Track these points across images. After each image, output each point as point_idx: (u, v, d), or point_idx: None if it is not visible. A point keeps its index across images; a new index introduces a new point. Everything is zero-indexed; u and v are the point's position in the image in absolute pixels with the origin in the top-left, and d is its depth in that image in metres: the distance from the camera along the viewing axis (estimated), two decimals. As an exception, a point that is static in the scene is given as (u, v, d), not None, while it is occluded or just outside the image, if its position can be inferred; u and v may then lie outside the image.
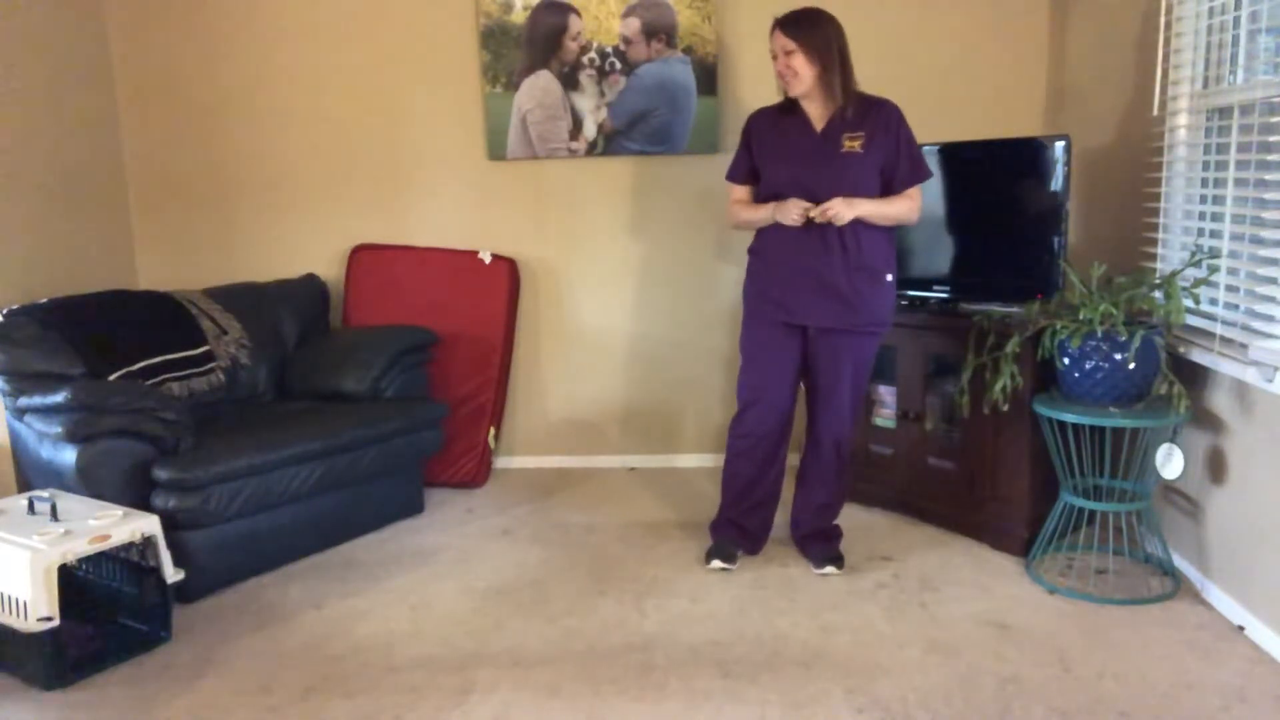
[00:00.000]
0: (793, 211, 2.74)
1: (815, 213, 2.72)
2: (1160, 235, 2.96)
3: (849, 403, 2.92)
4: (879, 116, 2.79)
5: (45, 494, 2.67)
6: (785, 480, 3.06)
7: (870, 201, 2.76)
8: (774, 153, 2.86)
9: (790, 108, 2.85)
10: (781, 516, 3.17)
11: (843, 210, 2.70)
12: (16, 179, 3.48)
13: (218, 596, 2.90)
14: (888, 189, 2.81)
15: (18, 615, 2.36)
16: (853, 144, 2.77)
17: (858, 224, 2.76)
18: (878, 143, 2.77)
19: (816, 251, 2.79)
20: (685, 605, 2.76)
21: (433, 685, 2.36)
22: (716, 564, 2.99)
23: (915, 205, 2.84)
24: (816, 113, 2.82)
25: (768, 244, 2.89)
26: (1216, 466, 2.67)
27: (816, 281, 2.81)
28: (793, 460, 3.36)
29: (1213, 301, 2.71)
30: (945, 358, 3.24)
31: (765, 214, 2.85)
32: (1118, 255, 3.22)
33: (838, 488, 3.02)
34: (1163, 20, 2.90)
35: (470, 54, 3.91)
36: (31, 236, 3.54)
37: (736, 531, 3.05)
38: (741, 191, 2.98)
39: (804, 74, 2.74)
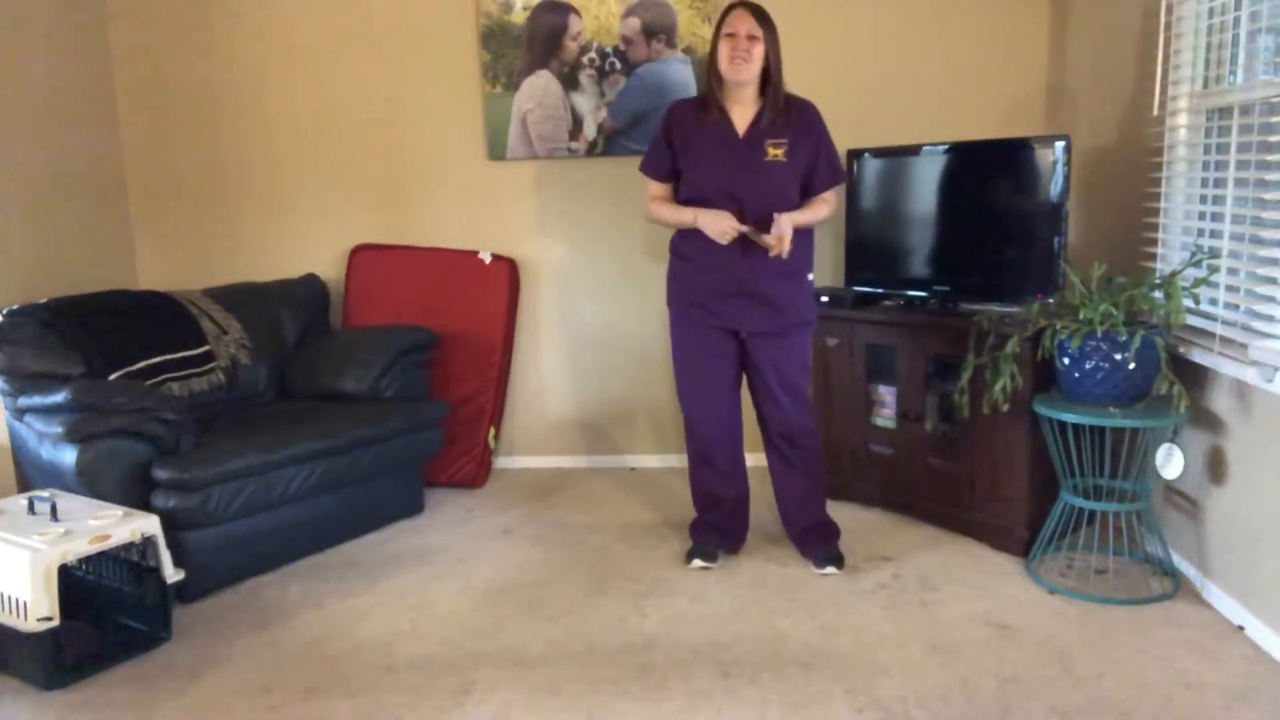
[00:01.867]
0: (727, 231, 2.74)
1: (771, 244, 2.72)
2: (1160, 235, 2.96)
3: (792, 398, 2.93)
4: (800, 120, 2.83)
5: (45, 494, 2.67)
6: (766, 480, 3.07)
7: (799, 214, 2.81)
8: (697, 156, 2.84)
9: (708, 106, 2.84)
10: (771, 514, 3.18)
11: (789, 235, 2.72)
12: (16, 179, 3.48)
13: (218, 596, 2.90)
14: (805, 191, 2.86)
15: (18, 615, 2.36)
16: (776, 152, 2.79)
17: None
18: (801, 149, 2.81)
19: (741, 257, 2.82)
20: (685, 605, 2.76)
21: (433, 685, 2.36)
22: (697, 563, 3.00)
23: (833, 207, 2.92)
24: (739, 113, 2.83)
25: (691, 247, 2.89)
26: (1216, 466, 2.67)
27: (744, 287, 2.83)
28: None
29: (1213, 301, 2.71)
30: (945, 358, 3.23)
31: (688, 219, 2.83)
32: (1118, 255, 3.22)
33: (809, 480, 3.02)
34: (1163, 20, 2.90)
35: (470, 54, 3.91)
36: (31, 236, 3.54)
37: (714, 533, 3.06)
38: (658, 188, 2.95)
39: (756, 64, 2.75)
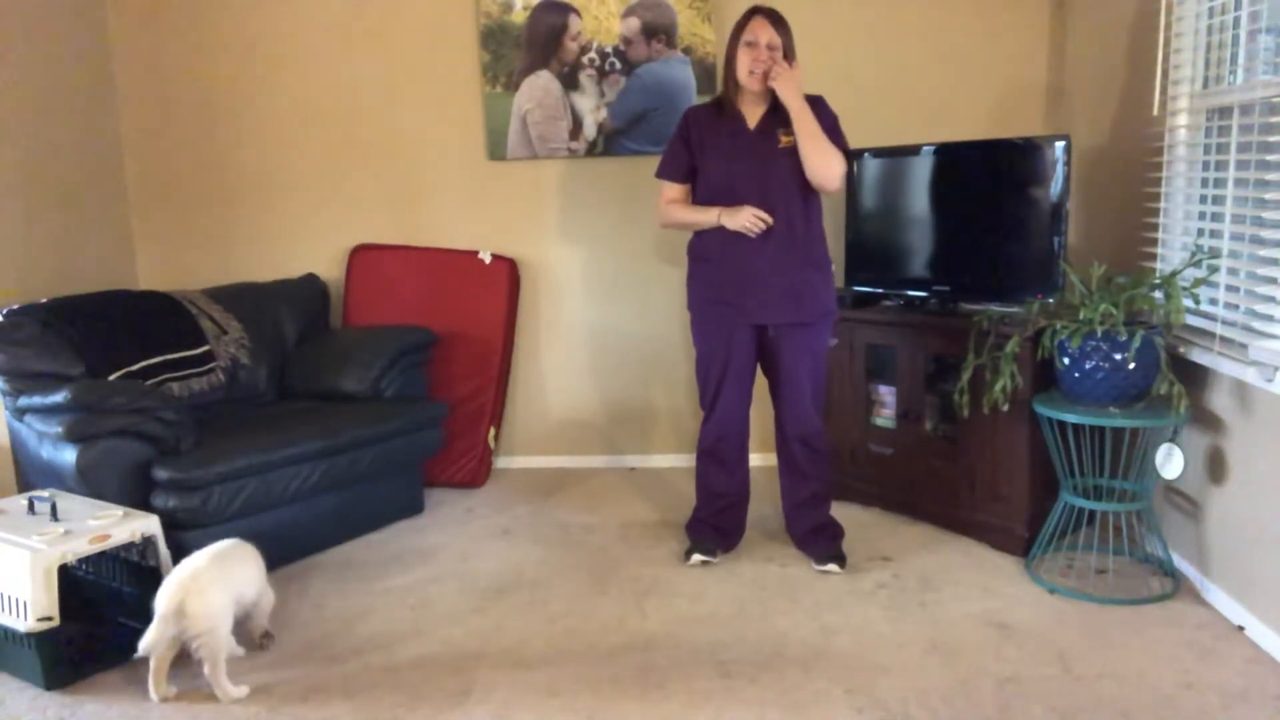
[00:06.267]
0: (748, 223, 2.76)
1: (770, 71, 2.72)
2: (1160, 235, 2.96)
3: (810, 394, 2.95)
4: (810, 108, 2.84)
5: (45, 494, 2.67)
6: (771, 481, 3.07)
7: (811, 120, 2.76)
8: (714, 152, 2.87)
9: (723, 108, 2.88)
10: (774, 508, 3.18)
11: (784, 73, 2.72)
12: (16, 178, 3.48)
13: (218, 596, 2.90)
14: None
15: (18, 615, 2.36)
16: (788, 139, 2.82)
17: (799, 220, 2.83)
18: None
19: (762, 249, 2.83)
20: (685, 605, 2.75)
21: (433, 685, 2.36)
22: (697, 558, 3.01)
23: (840, 163, 2.78)
24: (751, 111, 2.86)
25: (710, 247, 2.90)
26: (1216, 466, 2.67)
27: (768, 280, 2.85)
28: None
29: (1213, 301, 2.71)
30: (945, 358, 3.23)
31: (710, 218, 2.85)
32: (1118, 255, 3.22)
33: (817, 482, 3.02)
34: (1163, 20, 2.90)
35: (470, 54, 3.91)
36: (31, 236, 3.54)
37: (711, 531, 3.07)
38: (676, 190, 2.96)
39: None
